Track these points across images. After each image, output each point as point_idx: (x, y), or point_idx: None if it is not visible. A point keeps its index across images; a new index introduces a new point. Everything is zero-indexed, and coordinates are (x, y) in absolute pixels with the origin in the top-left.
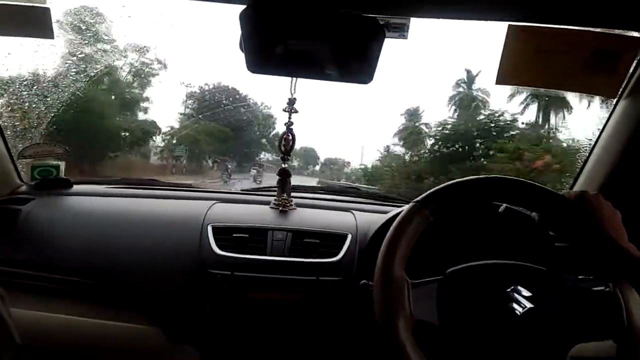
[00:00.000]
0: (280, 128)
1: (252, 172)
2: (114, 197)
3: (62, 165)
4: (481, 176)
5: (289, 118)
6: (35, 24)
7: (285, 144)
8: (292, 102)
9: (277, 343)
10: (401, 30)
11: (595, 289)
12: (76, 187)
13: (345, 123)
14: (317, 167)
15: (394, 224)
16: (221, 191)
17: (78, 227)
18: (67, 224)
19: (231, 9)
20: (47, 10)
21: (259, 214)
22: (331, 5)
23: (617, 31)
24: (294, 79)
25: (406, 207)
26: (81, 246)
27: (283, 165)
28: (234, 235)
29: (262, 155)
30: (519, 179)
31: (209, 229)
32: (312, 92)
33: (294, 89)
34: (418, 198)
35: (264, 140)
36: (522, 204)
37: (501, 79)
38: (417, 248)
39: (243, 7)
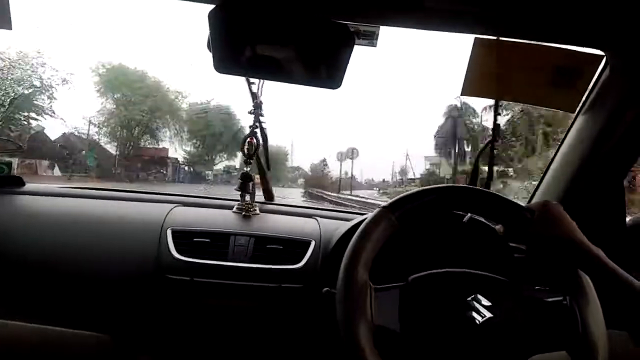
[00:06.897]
0: None
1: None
2: (68, 197)
3: (15, 162)
4: (448, 185)
5: (254, 121)
6: None
7: (249, 147)
8: (258, 105)
9: (237, 351)
10: (370, 38)
11: (552, 299)
12: (29, 186)
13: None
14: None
15: (361, 227)
16: (182, 194)
17: (29, 228)
18: (18, 224)
19: (200, 7)
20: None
21: (221, 218)
22: (302, 9)
23: (579, 48)
24: (261, 82)
25: (373, 211)
26: (31, 247)
27: (245, 169)
28: (194, 239)
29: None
30: (485, 190)
31: (169, 232)
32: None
33: (261, 92)
34: (385, 203)
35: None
36: (486, 215)
37: (466, 91)
38: (381, 254)
39: (212, 6)
